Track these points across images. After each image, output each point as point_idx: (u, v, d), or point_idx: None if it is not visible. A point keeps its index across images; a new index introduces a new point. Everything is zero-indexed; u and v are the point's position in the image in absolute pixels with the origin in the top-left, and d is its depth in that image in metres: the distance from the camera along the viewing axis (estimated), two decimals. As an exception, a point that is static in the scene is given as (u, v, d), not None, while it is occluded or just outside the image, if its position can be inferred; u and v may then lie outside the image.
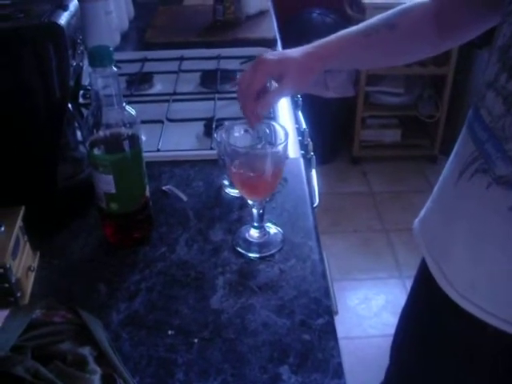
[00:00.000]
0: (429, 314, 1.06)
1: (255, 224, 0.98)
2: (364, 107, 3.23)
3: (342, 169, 3.41)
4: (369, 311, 2.50)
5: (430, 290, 0.99)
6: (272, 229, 1.01)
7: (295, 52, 0.98)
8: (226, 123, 1.16)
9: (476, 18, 0.99)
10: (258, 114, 0.92)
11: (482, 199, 0.85)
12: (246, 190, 0.95)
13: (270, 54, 0.97)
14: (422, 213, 1.06)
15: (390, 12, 1.03)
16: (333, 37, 1.00)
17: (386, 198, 3.16)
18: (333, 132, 3.32)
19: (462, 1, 0.99)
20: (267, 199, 0.98)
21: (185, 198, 1.09)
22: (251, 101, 0.92)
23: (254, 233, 0.99)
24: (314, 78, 0.99)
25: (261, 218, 0.97)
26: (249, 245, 0.97)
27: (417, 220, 1.07)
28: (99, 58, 0.83)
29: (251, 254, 0.96)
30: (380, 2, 2.87)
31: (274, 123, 0.97)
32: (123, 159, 0.90)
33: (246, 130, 0.95)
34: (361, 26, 1.02)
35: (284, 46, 1.87)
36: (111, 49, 0.85)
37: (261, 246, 0.97)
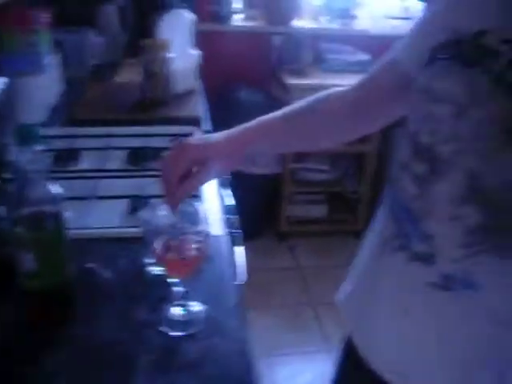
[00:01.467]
0: None
1: (178, 302, 0.98)
2: (290, 183, 3.31)
3: (270, 244, 3.44)
4: (297, 387, 2.48)
5: (355, 363, 1.01)
6: (196, 307, 1.01)
7: (218, 137, 1.01)
8: (152, 201, 1.17)
9: (391, 108, 1.06)
10: (178, 198, 0.94)
11: (402, 276, 0.89)
12: (169, 269, 0.96)
13: (193, 139, 1.00)
14: (346, 288, 1.09)
15: (311, 98, 1.08)
16: (256, 121, 1.04)
17: (313, 273, 3.20)
18: (260, 208, 3.37)
19: (377, 93, 1.05)
20: (190, 277, 0.99)
21: (108, 276, 1.08)
22: (173, 185, 0.94)
23: (177, 311, 0.98)
24: (237, 162, 1.02)
25: (184, 296, 0.98)
26: (172, 323, 0.97)
27: (341, 295, 1.10)
28: (25, 136, 0.84)
29: (174, 333, 0.95)
30: (304, 83, 3.00)
31: (197, 203, 0.99)
32: (45, 237, 0.90)
33: (170, 211, 0.96)
34: (283, 110, 1.07)
35: (212, 124, 1.91)
36: (37, 127, 0.86)
37: (184, 324, 0.97)
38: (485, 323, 0.82)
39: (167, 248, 0.92)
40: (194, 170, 0.97)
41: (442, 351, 0.86)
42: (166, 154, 0.98)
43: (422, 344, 0.89)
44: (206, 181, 1.00)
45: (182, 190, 0.94)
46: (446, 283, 0.82)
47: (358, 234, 3.36)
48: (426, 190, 0.84)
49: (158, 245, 0.91)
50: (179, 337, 0.95)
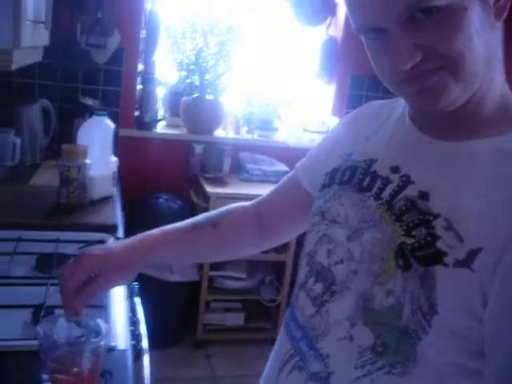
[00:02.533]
0: None
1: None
2: (208, 291, 3.28)
3: (186, 352, 3.36)
4: None
5: None
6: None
7: (118, 246, 1.02)
8: (55, 312, 1.14)
9: (291, 223, 1.10)
10: (75, 307, 0.93)
11: None
12: (64, 387, 0.93)
13: (92, 249, 1.00)
14: None
15: (214, 211, 1.11)
16: (157, 231, 1.06)
17: (230, 382, 3.13)
18: (176, 315, 3.31)
19: (279, 208, 1.09)
20: None
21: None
22: (70, 294, 0.93)
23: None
24: (135, 272, 1.02)
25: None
26: None
27: None
28: None
29: None
30: (223, 192, 3.05)
31: (99, 316, 0.97)
32: None
33: (69, 322, 0.94)
34: (186, 221, 1.09)
35: (127, 231, 1.90)
36: None
37: None
38: None
39: (61, 364, 0.89)
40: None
41: None
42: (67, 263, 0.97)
43: None
44: (102, 291, 1.00)
45: (78, 299, 0.93)
46: None
47: (274, 343, 3.33)
48: (321, 309, 0.86)
49: (52, 360, 0.89)
50: None
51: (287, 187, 1.12)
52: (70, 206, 1.96)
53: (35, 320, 1.25)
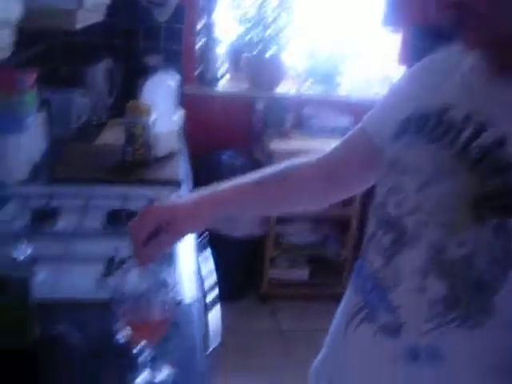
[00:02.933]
0: None
1: (146, 368, 0.97)
2: (273, 246, 3.30)
3: (251, 306, 3.41)
4: None
5: None
6: (163, 373, 0.99)
7: (187, 200, 1.03)
8: (126, 265, 1.16)
9: (361, 176, 1.08)
10: (145, 257, 0.95)
11: (370, 348, 0.89)
12: (137, 334, 0.95)
13: (162, 202, 1.01)
14: (319, 357, 1.08)
15: (280, 165, 1.10)
16: (225, 184, 1.06)
17: (295, 336, 3.16)
18: (242, 269, 3.35)
19: (347, 161, 1.07)
20: (159, 343, 0.98)
21: (76, 342, 1.05)
22: (140, 244, 0.95)
23: (144, 377, 0.97)
24: (203, 225, 1.03)
25: (152, 362, 0.96)
26: (139, 390, 0.96)
27: (314, 365, 1.10)
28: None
29: (141, 400, 0.94)
30: (287, 147, 3.04)
31: (168, 268, 0.99)
32: (7, 302, 0.89)
33: (141, 274, 0.96)
34: (255, 175, 1.08)
35: (194, 187, 1.92)
36: (7, 186, 0.86)
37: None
38: None
39: (134, 313, 0.91)
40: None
41: None
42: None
43: None
44: (171, 242, 1.01)
45: (149, 250, 0.95)
46: (413, 356, 0.82)
47: (340, 298, 3.33)
48: (391, 260, 0.85)
49: (124, 310, 0.91)
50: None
51: (354, 140, 1.10)
52: (135, 163, 1.99)
53: (107, 273, 1.29)
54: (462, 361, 0.80)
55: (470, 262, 0.76)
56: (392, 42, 3.50)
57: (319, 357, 1.09)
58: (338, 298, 1.04)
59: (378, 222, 0.90)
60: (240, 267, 3.31)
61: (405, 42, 3.43)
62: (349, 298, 0.97)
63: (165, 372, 1.00)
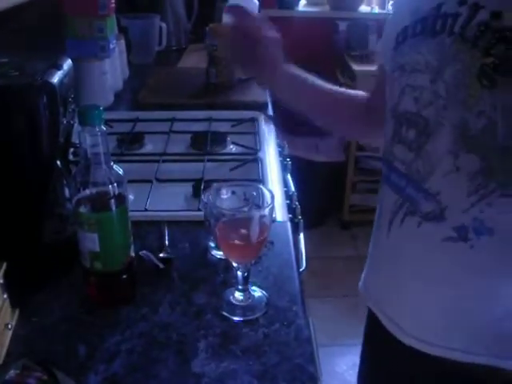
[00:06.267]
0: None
1: (239, 287, 0.97)
2: (354, 172, 3.26)
3: (332, 233, 3.40)
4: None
5: (382, 341, 1.05)
6: (257, 292, 0.99)
7: None
8: (215, 185, 1.16)
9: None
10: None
11: (417, 239, 0.91)
12: (231, 253, 0.95)
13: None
14: (367, 273, 1.15)
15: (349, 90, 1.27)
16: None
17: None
18: (322, 196, 3.33)
19: (378, 96, 1.09)
20: (252, 262, 0.97)
21: (161, 266, 1.06)
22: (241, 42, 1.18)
23: (238, 296, 0.97)
24: (279, 66, 1.22)
25: (245, 280, 0.96)
26: (233, 308, 0.96)
27: (361, 282, 1.16)
28: (88, 117, 0.84)
29: (235, 318, 0.94)
30: (371, 69, 2.93)
31: (260, 186, 0.97)
32: (108, 218, 0.90)
33: (233, 193, 0.96)
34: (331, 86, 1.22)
35: (275, 110, 1.89)
36: (101, 108, 0.86)
37: (245, 309, 0.96)
38: (508, 269, 0.86)
39: (229, 232, 0.91)
40: None
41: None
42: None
43: (446, 302, 0.91)
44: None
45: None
46: (461, 235, 0.85)
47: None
48: (420, 152, 0.88)
49: (219, 228, 0.90)
50: (240, 322, 0.94)
51: (379, 76, 1.13)
52: (219, 85, 1.98)
53: (196, 193, 1.29)
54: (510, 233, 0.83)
55: (492, 130, 0.79)
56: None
57: (367, 273, 1.15)
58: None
59: (397, 121, 0.94)
60: (320, 193, 3.29)
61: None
62: (385, 201, 0.99)
63: (259, 291, 1.00)
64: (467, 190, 0.82)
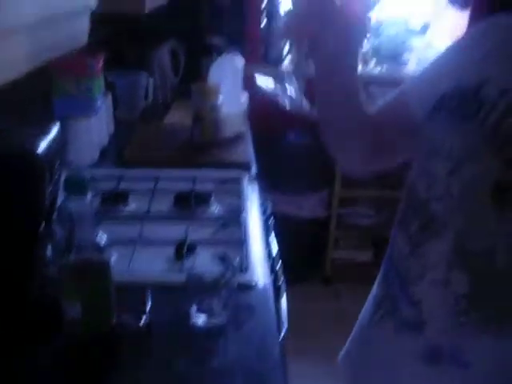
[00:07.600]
0: None
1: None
2: (336, 228, 3.28)
3: (314, 288, 3.39)
4: None
5: None
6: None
7: None
8: (198, 248, 1.17)
9: (396, 143, 1.02)
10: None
11: (392, 344, 0.86)
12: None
13: None
14: (347, 346, 1.07)
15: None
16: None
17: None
18: (305, 251, 3.33)
19: (388, 120, 1.01)
20: None
21: (142, 331, 1.06)
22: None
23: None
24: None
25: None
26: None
27: (342, 353, 1.08)
28: (74, 186, 0.85)
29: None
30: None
31: (239, 252, 0.98)
32: (91, 287, 0.90)
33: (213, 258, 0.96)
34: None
35: (259, 168, 1.91)
36: (87, 177, 0.87)
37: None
38: None
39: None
40: None
41: None
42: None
43: None
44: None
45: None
46: (435, 356, 0.79)
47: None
48: (417, 248, 0.81)
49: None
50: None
51: (394, 103, 1.02)
52: (203, 144, 1.99)
53: (178, 256, 1.29)
54: (487, 370, 0.76)
55: (493, 257, 0.72)
56: (459, 21, 3.38)
57: (346, 347, 1.08)
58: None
59: (407, 205, 0.87)
60: (303, 249, 3.29)
61: (473, 22, 3.31)
62: (377, 284, 0.95)
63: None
64: (449, 309, 0.77)
